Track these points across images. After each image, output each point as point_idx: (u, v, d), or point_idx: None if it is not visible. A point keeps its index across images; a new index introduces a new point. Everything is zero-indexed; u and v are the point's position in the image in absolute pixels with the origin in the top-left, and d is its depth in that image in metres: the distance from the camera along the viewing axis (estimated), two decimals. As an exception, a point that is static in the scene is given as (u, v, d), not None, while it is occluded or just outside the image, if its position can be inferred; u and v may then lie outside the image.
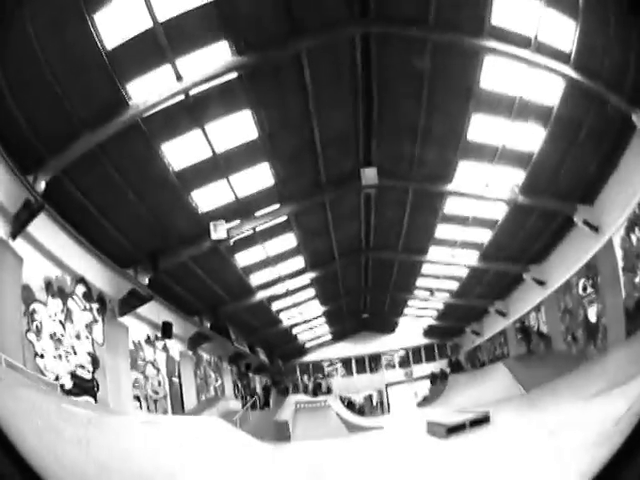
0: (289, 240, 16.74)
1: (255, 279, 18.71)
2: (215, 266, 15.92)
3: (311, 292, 23.38)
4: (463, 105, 11.83)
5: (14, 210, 8.90)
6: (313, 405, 21.45)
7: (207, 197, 12.66)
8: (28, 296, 9.06)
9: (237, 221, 13.59)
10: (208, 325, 17.93)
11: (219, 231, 12.61)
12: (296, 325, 27.50)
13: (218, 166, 11.95)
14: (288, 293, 21.60)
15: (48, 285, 9.56)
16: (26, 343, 8.65)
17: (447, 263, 19.84)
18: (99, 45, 8.31)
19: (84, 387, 10.05)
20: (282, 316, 24.80)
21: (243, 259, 16.66)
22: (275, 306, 23.07)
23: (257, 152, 12.13)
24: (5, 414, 4.01)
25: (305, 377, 33.33)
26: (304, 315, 26.32)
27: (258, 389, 27.47)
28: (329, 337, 32.44)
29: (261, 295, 20.01)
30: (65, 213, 9.95)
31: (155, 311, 13.93)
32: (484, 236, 17.39)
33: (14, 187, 8.70)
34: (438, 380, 29.32)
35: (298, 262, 19.29)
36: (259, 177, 12.96)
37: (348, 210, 17.08)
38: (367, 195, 15.03)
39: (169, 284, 15.14)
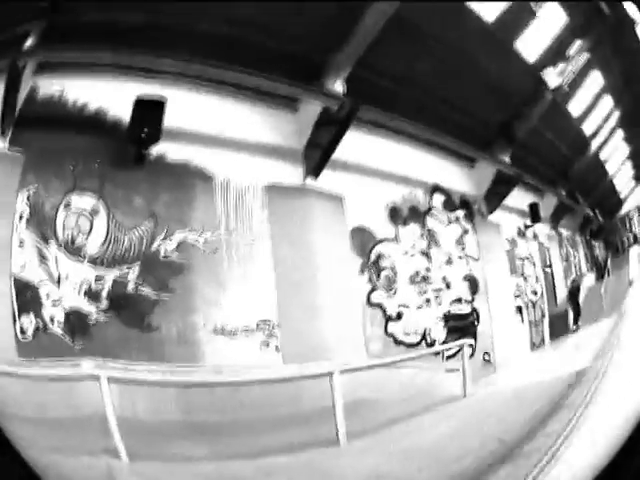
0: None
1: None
2: (555, 122, 11.73)
3: None
4: None
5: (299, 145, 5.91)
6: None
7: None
8: (363, 242, 5.94)
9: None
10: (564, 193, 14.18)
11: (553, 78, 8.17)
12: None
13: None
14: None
15: (393, 213, 6.25)
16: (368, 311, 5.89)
17: None
18: None
19: (462, 327, 6.54)
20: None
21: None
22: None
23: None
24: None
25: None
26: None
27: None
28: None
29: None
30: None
31: (516, 195, 9.01)
32: None
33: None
34: None
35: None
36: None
37: None
38: None
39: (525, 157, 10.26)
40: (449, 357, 5.77)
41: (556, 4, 7.29)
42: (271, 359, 5.11)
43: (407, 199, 6.22)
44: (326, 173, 5.68)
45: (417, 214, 6.26)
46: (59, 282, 5.60)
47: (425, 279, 6.03)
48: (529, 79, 7.93)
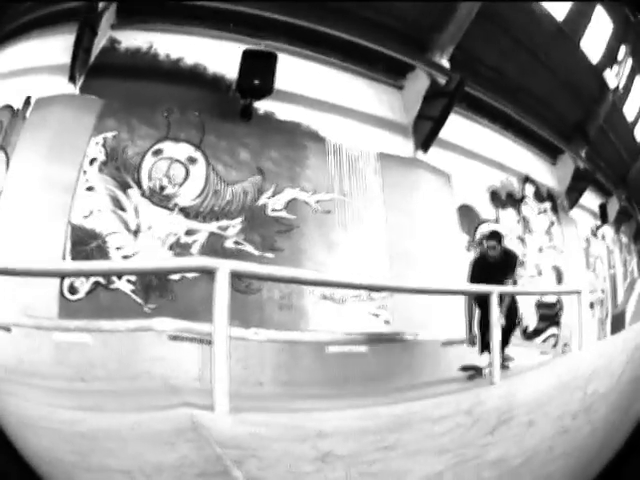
0: None
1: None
2: (615, 125, 11.57)
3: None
4: None
5: (406, 120, 5.65)
6: None
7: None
8: (469, 220, 5.74)
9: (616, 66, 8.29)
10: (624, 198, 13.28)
11: (611, 79, 8.19)
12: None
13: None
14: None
15: (494, 196, 6.11)
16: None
17: None
18: None
19: (550, 316, 6.44)
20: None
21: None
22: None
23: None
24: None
25: None
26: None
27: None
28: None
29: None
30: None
31: (587, 196, 9.86)
32: None
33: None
34: None
35: None
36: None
37: None
38: None
39: (595, 157, 11.63)
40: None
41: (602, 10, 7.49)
42: (382, 331, 4.74)
43: (504, 185, 6.05)
44: (433, 150, 5.44)
45: (513, 200, 6.11)
46: (136, 233, 5.08)
47: (521, 264, 5.84)
48: (595, 79, 8.07)
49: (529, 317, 5.81)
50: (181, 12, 5.56)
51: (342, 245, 4.88)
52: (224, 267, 3.16)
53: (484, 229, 5.05)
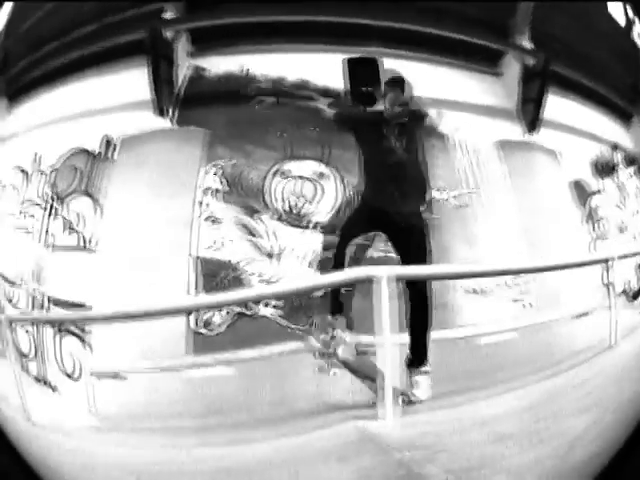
0: None
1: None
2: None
3: None
4: None
5: (509, 104, 5.73)
6: None
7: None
8: (580, 194, 6.04)
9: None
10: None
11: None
12: None
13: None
14: None
15: (595, 167, 6.42)
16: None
17: None
18: None
19: None
20: None
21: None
22: None
23: None
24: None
25: None
26: None
27: None
28: None
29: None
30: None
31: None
32: None
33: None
34: None
35: None
36: None
37: None
38: None
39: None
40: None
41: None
42: (526, 315, 5.04)
43: (602, 155, 6.37)
44: (540, 131, 5.68)
45: (610, 169, 6.44)
46: (274, 257, 5.09)
47: (624, 229, 6.24)
48: (628, 40, 8.30)
49: (632, 278, 6.26)
50: (261, 31, 5.45)
51: (482, 239, 5.11)
52: (387, 273, 3.26)
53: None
